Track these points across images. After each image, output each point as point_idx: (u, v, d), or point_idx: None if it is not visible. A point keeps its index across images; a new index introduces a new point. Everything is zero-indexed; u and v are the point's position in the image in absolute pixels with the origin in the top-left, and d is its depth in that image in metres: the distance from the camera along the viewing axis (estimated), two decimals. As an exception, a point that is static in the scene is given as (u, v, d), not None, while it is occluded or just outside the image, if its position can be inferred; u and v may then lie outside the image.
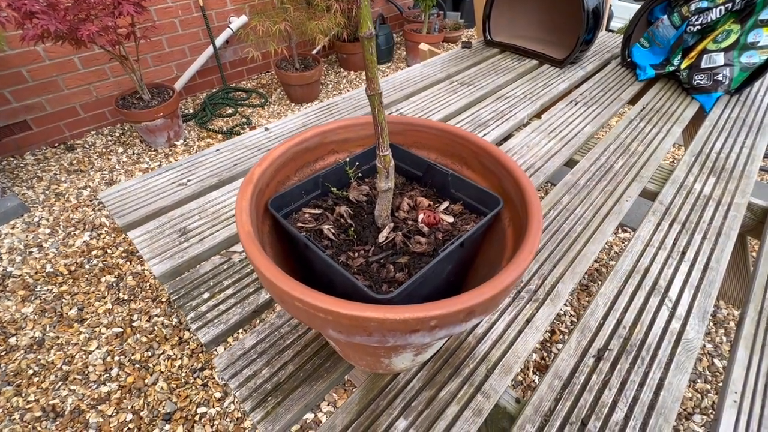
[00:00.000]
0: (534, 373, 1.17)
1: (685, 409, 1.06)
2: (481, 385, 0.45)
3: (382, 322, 0.25)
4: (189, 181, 0.74)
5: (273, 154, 0.40)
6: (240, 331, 1.20)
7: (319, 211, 0.41)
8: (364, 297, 0.30)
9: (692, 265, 0.60)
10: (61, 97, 2.01)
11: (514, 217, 0.38)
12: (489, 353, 0.48)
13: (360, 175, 0.45)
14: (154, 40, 2.19)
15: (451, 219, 0.39)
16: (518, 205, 0.37)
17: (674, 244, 0.63)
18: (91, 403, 1.10)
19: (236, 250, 0.61)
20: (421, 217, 0.39)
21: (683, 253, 0.61)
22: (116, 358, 1.21)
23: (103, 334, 1.27)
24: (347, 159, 0.44)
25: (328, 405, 1.14)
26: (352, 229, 0.39)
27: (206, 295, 0.54)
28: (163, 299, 1.39)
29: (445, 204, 0.42)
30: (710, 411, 1.06)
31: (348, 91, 2.74)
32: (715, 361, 1.17)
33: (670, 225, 0.66)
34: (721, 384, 1.11)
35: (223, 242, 0.62)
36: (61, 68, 1.95)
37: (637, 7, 3.01)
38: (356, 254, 0.37)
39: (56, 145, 2.09)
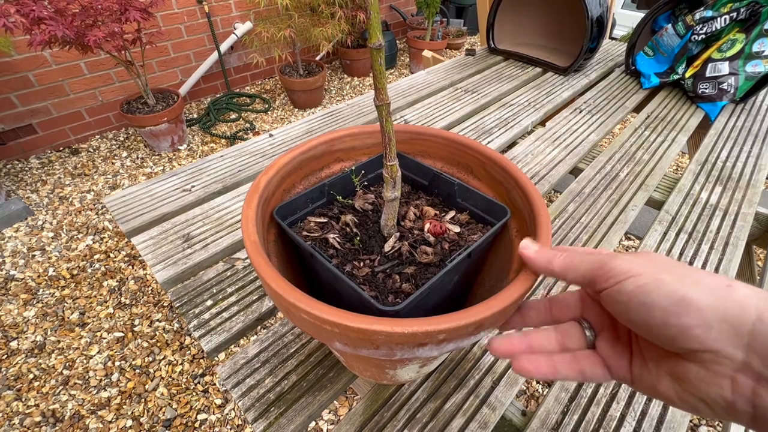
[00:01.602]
0: (538, 382, 1.16)
1: (690, 420, 1.05)
2: (486, 396, 0.44)
3: (389, 336, 0.25)
4: (193, 187, 0.74)
5: (279, 163, 0.39)
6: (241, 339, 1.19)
7: (325, 220, 0.41)
8: (371, 308, 0.29)
9: (700, 275, 0.59)
10: (66, 102, 2.03)
11: (522, 227, 0.38)
12: (494, 364, 0.47)
13: (365, 183, 0.45)
14: (160, 45, 2.21)
15: (457, 229, 0.39)
16: (526, 216, 0.36)
17: (681, 254, 0.62)
18: (91, 408, 1.10)
19: (240, 257, 0.60)
20: (427, 226, 0.39)
21: (690, 263, 0.61)
22: (117, 363, 1.21)
23: (104, 338, 1.27)
24: (353, 167, 0.44)
25: (329, 413, 1.13)
26: (358, 238, 0.39)
27: (209, 303, 0.54)
28: (165, 304, 1.39)
29: (452, 213, 0.42)
30: (717, 424, 1.05)
31: (351, 97, 2.75)
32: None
33: (677, 235, 0.66)
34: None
35: (227, 249, 0.62)
36: (67, 73, 1.97)
37: (640, 15, 3.02)
38: (362, 264, 0.36)
39: (61, 148, 2.10)
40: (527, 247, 0.29)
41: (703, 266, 0.60)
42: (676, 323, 0.20)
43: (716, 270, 0.60)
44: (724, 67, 0.98)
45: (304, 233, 0.39)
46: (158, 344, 1.26)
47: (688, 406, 0.22)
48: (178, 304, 0.53)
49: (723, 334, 0.19)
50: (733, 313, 0.18)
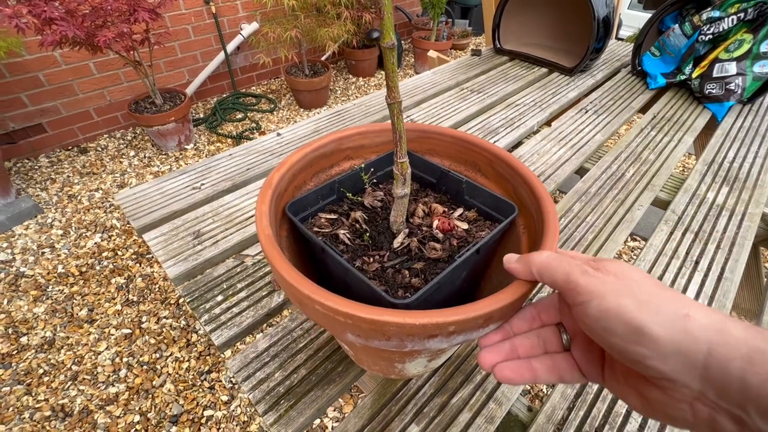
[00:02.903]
0: (542, 382, 1.16)
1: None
2: (493, 392, 0.45)
3: (401, 327, 0.26)
4: (203, 184, 0.75)
5: (291, 160, 0.40)
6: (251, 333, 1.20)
7: (335, 216, 0.41)
8: (381, 302, 0.30)
9: (705, 275, 0.59)
10: (75, 101, 2.05)
11: (529, 224, 0.38)
12: (501, 360, 0.48)
13: (375, 181, 0.46)
14: (168, 45, 2.23)
15: (465, 226, 0.40)
16: (533, 213, 0.37)
17: (687, 253, 0.63)
18: (100, 403, 1.11)
19: (249, 254, 0.61)
20: (435, 223, 0.40)
21: (696, 263, 0.61)
22: (125, 359, 1.22)
23: (113, 335, 1.29)
24: (362, 165, 0.45)
25: (334, 410, 1.14)
26: (368, 234, 0.39)
27: (219, 298, 0.55)
28: (172, 301, 1.40)
29: (460, 210, 0.42)
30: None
31: (356, 97, 2.76)
32: (728, 373, 1.15)
33: (683, 234, 0.66)
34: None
35: (236, 245, 0.63)
36: (76, 73, 2.00)
37: (646, 15, 3.01)
38: (371, 259, 0.37)
39: (70, 147, 2.13)
40: (509, 261, 0.29)
41: (710, 266, 0.61)
42: (633, 351, 0.20)
43: (722, 269, 0.60)
44: (732, 68, 0.98)
45: (315, 229, 0.39)
46: (165, 341, 1.27)
47: (656, 419, 0.22)
48: (189, 300, 0.54)
49: (679, 365, 0.19)
50: (686, 346, 0.19)
